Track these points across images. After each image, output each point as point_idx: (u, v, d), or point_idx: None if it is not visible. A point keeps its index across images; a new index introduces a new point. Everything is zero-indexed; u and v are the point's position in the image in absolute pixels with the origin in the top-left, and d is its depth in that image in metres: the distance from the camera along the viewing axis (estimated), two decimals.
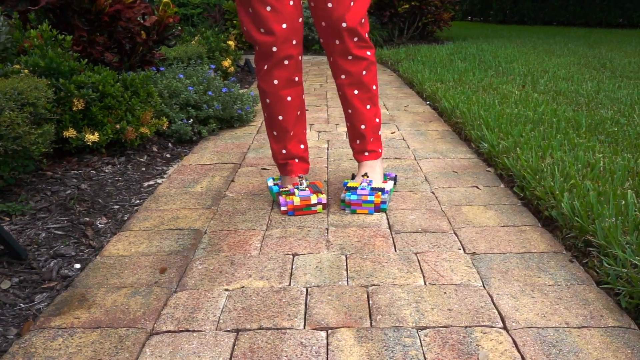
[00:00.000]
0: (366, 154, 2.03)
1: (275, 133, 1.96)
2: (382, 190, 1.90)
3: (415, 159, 2.52)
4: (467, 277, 1.46)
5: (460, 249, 1.62)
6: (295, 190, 1.90)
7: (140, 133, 2.60)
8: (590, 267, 1.50)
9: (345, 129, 3.11)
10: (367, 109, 1.96)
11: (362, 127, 1.98)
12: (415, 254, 1.59)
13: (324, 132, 3.08)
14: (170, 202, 2.03)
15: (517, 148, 2.31)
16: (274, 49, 1.79)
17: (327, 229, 1.77)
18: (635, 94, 3.73)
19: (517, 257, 1.56)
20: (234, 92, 3.25)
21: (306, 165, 2.04)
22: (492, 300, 1.34)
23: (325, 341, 1.20)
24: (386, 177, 2.12)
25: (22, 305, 1.40)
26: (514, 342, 1.18)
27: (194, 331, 1.24)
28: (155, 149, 2.73)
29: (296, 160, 2.01)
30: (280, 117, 1.91)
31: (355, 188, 1.91)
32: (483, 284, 1.42)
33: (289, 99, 1.88)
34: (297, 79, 1.88)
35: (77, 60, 2.62)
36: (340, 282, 1.44)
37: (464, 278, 1.45)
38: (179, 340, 1.21)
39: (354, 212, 1.89)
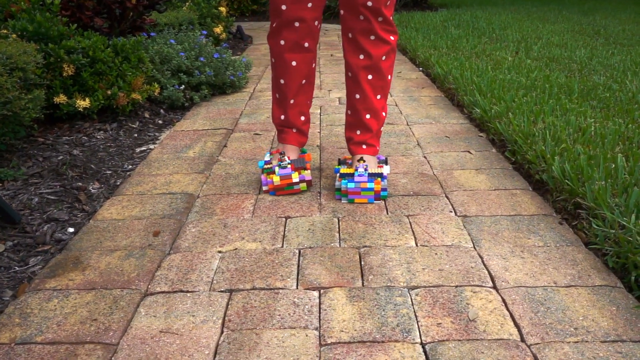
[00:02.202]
0: (364, 147, 1.82)
1: (277, 95, 1.84)
2: (380, 175, 1.72)
3: (408, 124, 2.52)
4: (458, 238, 1.47)
5: (451, 212, 1.63)
6: (276, 169, 1.74)
7: (132, 99, 2.58)
8: (579, 229, 1.52)
9: (339, 95, 3.10)
10: (378, 99, 1.77)
11: (368, 116, 1.78)
12: (407, 216, 1.60)
13: (316, 97, 3.07)
14: (163, 167, 2.02)
15: (510, 113, 2.31)
16: (283, 7, 1.66)
17: (320, 193, 1.78)
18: (629, 61, 3.72)
19: (508, 219, 1.58)
20: (226, 58, 3.22)
21: (303, 138, 1.89)
22: (483, 261, 1.36)
23: (317, 300, 1.21)
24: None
25: (17, 268, 1.41)
26: (503, 300, 1.21)
27: (187, 292, 1.26)
28: (147, 115, 2.71)
29: (293, 130, 1.87)
30: (282, 81, 1.78)
31: (352, 175, 1.72)
32: (474, 245, 1.44)
33: (293, 63, 1.74)
34: (307, 44, 1.72)
35: (66, 25, 2.58)
36: (332, 244, 1.46)
37: (455, 240, 1.47)
38: (173, 301, 1.22)
39: (351, 201, 1.71)
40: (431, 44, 4.52)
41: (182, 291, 1.26)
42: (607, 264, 1.34)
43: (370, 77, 1.73)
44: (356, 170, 1.71)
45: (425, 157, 2.10)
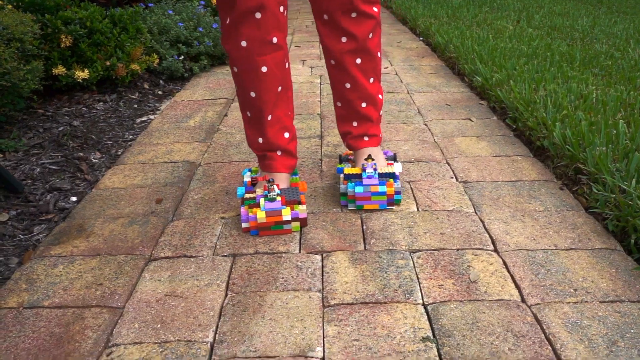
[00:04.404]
0: (366, 138, 1.56)
1: (249, 114, 1.43)
2: (392, 176, 1.48)
3: (409, 93, 2.51)
4: (459, 203, 1.48)
5: (452, 178, 1.64)
6: (262, 200, 1.35)
7: (131, 70, 2.56)
8: (580, 194, 1.53)
9: None
10: (370, 82, 1.49)
11: (363, 105, 1.51)
12: (409, 182, 1.61)
13: (317, 67, 3.05)
14: (164, 137, 2.02)
15: (511, 81, 2.30)
16: None
17: (321, 160, 1.78)
18: (631, 29, 3.69)
19: (509, 185, 1.59)
20: None
21: (291, 160, 1.50)
22: (484, 225, 1.37)
23: (320, 264, 1.23)
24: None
25: (22, 237, 1.42)
26: (504, 263, 1.22)
27: (191, 256, 1.27)
28: (146, 86, 2.70)
29: (278, 153, 1.47)
30: (253, 94, 1.37)
31: (359, 176, 1.46)
32: (475, 210, 1.45)
33: (263, 69, 1.34)
34: (275, 39, 1.33)
35: None
36: (334, 209, 1.47)
37: (456, 204, 1.48)
38: (177, 265, 1.24)
39: (360, 208, 1.45)
40: (431, 13, 4.47)
41: (185, 256, 1.27)
42: (607, 227, 1.35)
43: (358, 60, 1.45)
44: (364, 170, 1.45)
45: (426, 124, 2.10)
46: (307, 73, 2.94)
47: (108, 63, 2.46)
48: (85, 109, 2.36)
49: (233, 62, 1.36)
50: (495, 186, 1.58)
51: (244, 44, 1.31)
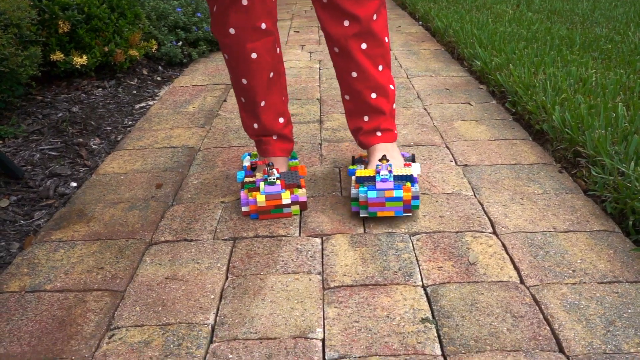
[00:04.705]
0: (379, 134, 1.43)
1: (243, 100, 1.42)
2: (410, 179, 1.33)
3: (408, 77, 2.51)
4: (459, 186, 1.48)
5: (452, 161, 1.64)
6: (261, 184, 1.34)
7: (130, 55, 2.55)
8: (579, 176, 1.53)
9: None
10: (379, 70, 1.37)
11: (373, 95, 1.39)
12: None
13: (316, 52, 3.04)
14: (163, 122, 2.02)
15: (510, 65, 2.29)
16: None
17: (320, 144, 1.79)
18: (632, 12, 3.68)
19: (508, 168, 1.59)
20: None
21: (288, 144, 1.49)
22: (483, 208, 1.38)
23: (320, 247, 1.23)
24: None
25: (22, 222, 1.43)
26: (503, 245, 1.22)
27: (192, 240, 1.28)
28: (145, 72, 2.70)
29: (274, 137, 1.46)
30: (244, 81, 1.36)
31: (373, 179, 1.32)
32: (474, 193, 1.45)
33: (253, 56, 1.31)
34: (264, 26, 1.29)
35: None
36: (334, 193, 1.47)
37: (456, 188, 1.48)
38: (177, 249, 1.24)
39: (373, 215, 1.30)
40: None
41: (186, 240, 1.28)
42: (606, 210, 1.36)
43: (364, 45, 1.33)
44: (377, 173, 1.31)
45: (425, 109, 2.10)
46: (306, 58, 2.93)
47: (106, 49, 2.45)
48: (84, 95, 2.35)
49: (223, 50, 1.35)
50: (494, 169, 1.58)
51: (232, 31, 1.28)
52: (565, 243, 1.22)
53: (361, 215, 1.32)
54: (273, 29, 1.32)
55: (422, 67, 2.67)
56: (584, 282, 1.09)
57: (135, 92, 2.45)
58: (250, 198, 1.33)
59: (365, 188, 1.29)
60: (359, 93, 1.39)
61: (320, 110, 2.11)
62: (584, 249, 1.20)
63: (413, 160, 1.47)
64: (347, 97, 1.43)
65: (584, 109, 1.73)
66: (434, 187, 1.48)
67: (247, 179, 1.39)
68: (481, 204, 1.39)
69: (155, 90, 2.49)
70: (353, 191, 1.31)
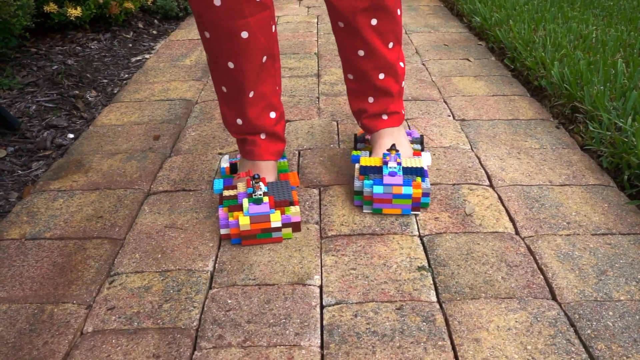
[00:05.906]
0: (385, 117, 1.26)
1: (224, 89, 1.13)
2: (420, 172, 1.19)
3: (406, 33, 2.48)
4: (456, 140, 1.49)
5: (449, 116, 1.64)
6: (245, 202, 1.07)
7: (125, 8, 2.51)
8: (576, 132, 1.53)
9: None
10: (390, 48, 1.18)
11: (381, 76, 1.20)
12: (406, 120, 1.61)
13: (314, 7, 3.00)
14: (159, 75, 2.01)
15: (510, 20, 2.27)
16: None
17: (318, 98, 1.78)
18: None
19: (505, 123, 1.59)
20: None
21: (279, 145, 1.22)
22: (480, 161, 1.38)
23: (317, 197, 1.24)
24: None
25: (20, 172, 1.43)
26: (499, 197, 1.24)
27: (190, 190, 1.28)
28: (141, 25, 2.66)
29: (261, 136, 1.19)
30: (231, 65, 1.08)
31: (379, 170, 1.19)
32: (471, 147, 1.46)
33: (244, 35, 1.04)
34: None
35: None
36: (331, 145, 1.47)
37: (453, 141, 1.48)
38: (176, 199, 1.25)
39: (378, 211, 1.17)
40: None
41: (184, 190, 1.28)
42: (602, 164, 1.37)
43: (374, 21, 1.12)
44: (385, 164, 1.16)
45: (423, 64, 2.08)
46: (303, 13, 2.89)
47: (101, 1, 2.41)
48: (79, 47, 2.32)
49: (204, 27, 1.04)
50: (492, 124, 1.58)
51: (217, 2, 1.00)
52: (560, 196, 1.23)
53: (364, 212, 1.18)
54: (269, 2, 1.06)
55: (420, 23, 2.64)
56: (578, 234, 1.11)
57: (131, 45, 2.42)
58: (231, 219, 1.07)
59: (371, 182, 1.15)
60: (364, 73, 1.20)
61: (318, 64, 2.10)
62: (579, 202, 1.21)
63: (421, 142, 1.32)
64: (350, 77, 1.24)
65: (583, 65, 1.72)
66: (432, 141, 1.49)
67: (226, 192, 1.12)
68: (478, 158, 1.40)
69: (151, 44, 2.46)
70: (357, 183, 1.17)
